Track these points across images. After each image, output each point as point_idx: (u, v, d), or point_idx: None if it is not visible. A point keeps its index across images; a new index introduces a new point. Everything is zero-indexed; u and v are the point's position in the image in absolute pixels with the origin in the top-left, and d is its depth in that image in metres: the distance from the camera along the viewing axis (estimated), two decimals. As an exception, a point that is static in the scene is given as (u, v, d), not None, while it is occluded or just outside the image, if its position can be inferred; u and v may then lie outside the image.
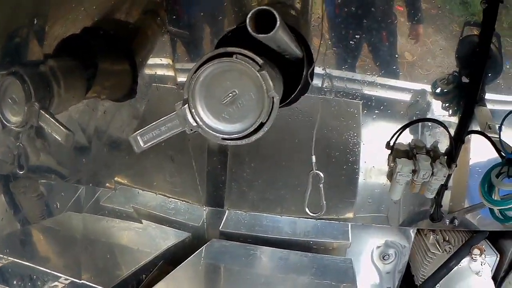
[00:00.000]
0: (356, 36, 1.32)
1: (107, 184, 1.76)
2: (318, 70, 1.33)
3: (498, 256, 1.61)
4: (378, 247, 1.72)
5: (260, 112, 0.92)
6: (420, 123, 1.44)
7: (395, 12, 1.30)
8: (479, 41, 1.25)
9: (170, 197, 1.69)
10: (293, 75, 1.19)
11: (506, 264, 1.63)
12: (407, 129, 1.40)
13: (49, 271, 1.33)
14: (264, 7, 0.80)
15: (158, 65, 1.49)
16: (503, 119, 1.25)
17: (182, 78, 1.44)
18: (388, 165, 1.29)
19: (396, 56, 1.34)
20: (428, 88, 1.38)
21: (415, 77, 1.37)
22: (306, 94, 1.35)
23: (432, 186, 1.25)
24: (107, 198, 1.80)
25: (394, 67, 1.36)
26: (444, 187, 1.30)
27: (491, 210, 1.23)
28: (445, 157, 1.27)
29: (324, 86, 1.37)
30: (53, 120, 1.35)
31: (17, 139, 1.55)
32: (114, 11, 1.51)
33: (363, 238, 1.71)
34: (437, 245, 1.60)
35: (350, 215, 1.58)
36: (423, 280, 1.66)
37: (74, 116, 1.62)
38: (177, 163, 1.60)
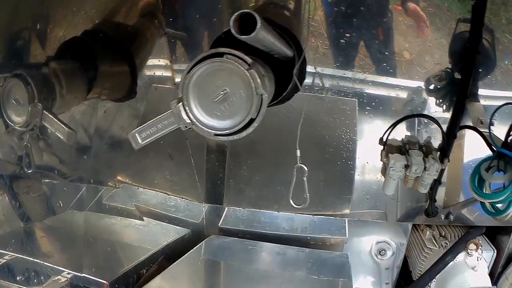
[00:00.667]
0: (351, 34, 1.34)
1: (109, 183, 1.80)
2: (317, 69, 1.36)
3: (495, 251, 1.60)
4: (378, 242, 1.73)
5: (249, 109, 0.96)
6: (416, 120, 1.46)
7: (391, 10, 1.32)
8: (468, 37, 1.26)
9: (170, 195, 1.72)
10: (285, 74, 1.22)
11: (503, 259, 1.63)
12: (404, 126, 1.42)
13: (52, 265, 1.37)
14: (246, 10, 0.83)
15: (156, 66, 1.52)
16: (493, 114, 1.27)
17: (179, 79, 1.47)
18: (381, 160, 1.31)
19: (391, 53, 1.35)
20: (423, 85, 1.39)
21: (412, 74, 1.38)
22: (303, 93, 1.37)
23: (425, 181, 1.26)
24: (110, 197, 1.84)
25: (390, 64, 1.37)
26: (437, 182, 1.31)
27: (483, 204, 1.24)
28: (438, 152, 1.29)
29: (317, 83, 1.40)
30: (56, 120, 1.40)
31: (21, 139, 1.59)
32: (114, 14, 1.54)
33: (362, 235, 1.72)
34: (434, 241, 1.61)
35: (347, 211, 1.59)
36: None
37: (76, 116, 1.65)
38: (177, 161, 1.63)
